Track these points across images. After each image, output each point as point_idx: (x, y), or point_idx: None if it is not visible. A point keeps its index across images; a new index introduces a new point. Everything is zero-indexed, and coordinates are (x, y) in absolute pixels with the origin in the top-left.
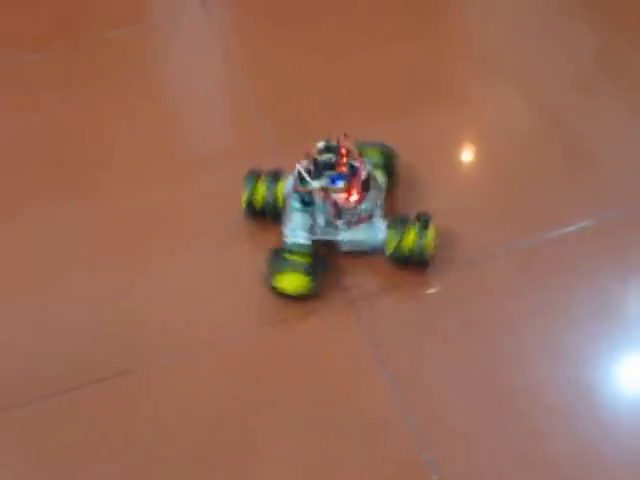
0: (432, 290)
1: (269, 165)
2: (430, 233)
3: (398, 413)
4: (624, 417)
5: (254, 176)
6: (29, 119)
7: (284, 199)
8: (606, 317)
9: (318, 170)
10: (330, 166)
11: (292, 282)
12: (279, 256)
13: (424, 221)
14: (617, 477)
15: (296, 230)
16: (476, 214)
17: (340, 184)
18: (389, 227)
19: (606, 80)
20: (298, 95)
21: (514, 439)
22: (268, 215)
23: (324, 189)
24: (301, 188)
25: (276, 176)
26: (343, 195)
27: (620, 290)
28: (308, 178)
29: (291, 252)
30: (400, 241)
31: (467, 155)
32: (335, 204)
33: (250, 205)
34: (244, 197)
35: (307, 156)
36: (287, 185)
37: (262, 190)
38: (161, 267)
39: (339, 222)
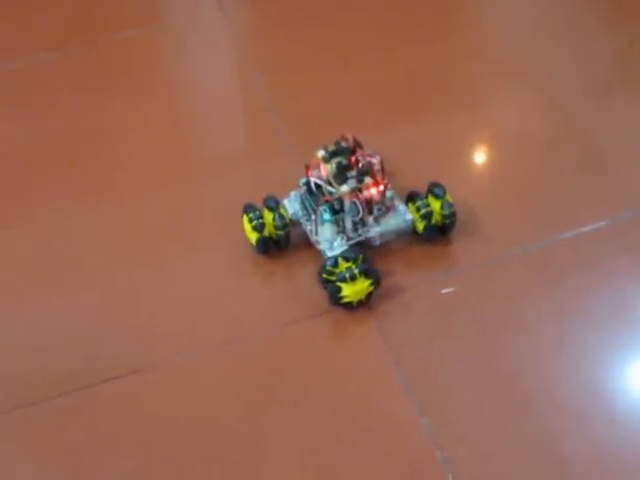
0: (447, 290)
1: (283, 164)
2: (448, 196)
3: (412, 413)
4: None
5: (253, 210)
6: (42, 118)
7: (291, 221)
8: (622, 317)
9: (342, 174)
10: (345, 167)
11: (357, 288)
12: (332, 271)
13: (440, 188)
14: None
15: (333, 242)
16: (491, 216)
17: (367, 179)
18: (409, 206)
19: (622, 82)
20: (313, 95)
21: (529, 439)
22: (283, 244)
23: (353, 190)
24: (331, 198)
25: (275, 202)
26: (374, 189)
27: (636, 290)
28: (336, 185)
29: (346, 260)
30: (430, 213)
31: (481, 157)
32: (368, 201)
33: (263, 240)
34: (254, 236)
35: (310, 168)
36: (291, 205)
37: (269, 218)
38: (174, 267)
39: (369, 218)
